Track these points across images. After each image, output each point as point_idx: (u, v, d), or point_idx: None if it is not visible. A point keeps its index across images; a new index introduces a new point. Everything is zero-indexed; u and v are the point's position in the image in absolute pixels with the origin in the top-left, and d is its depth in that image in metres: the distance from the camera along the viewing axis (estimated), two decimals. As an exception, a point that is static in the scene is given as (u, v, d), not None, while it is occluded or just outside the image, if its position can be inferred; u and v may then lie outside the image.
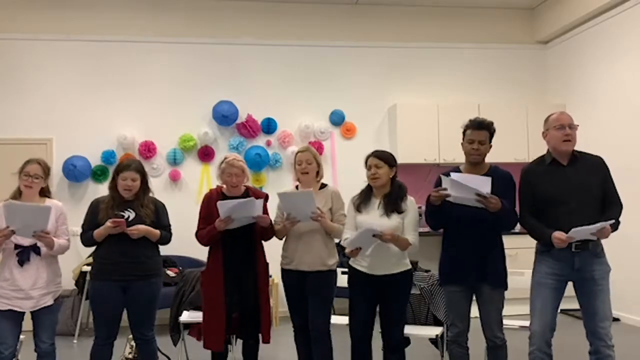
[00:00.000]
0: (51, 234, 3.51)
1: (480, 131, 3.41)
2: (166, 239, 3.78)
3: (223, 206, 3.59)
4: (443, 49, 7.35)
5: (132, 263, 3.60)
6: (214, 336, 3.75)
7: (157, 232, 3.69)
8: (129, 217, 3.62)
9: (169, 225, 3.83)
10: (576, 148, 3.39)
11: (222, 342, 3.79)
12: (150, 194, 3.79)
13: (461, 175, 3.26)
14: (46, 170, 3.64)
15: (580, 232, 3.13)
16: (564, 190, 3.27)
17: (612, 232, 3.22)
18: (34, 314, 3.57)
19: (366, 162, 3.62)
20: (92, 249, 3.73)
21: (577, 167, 3.33)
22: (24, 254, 3.52)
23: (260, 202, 3.66)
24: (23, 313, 3.56)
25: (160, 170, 6.71)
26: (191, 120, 6.77)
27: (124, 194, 3.66)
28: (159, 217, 3.74)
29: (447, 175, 3.33)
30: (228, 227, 3.66)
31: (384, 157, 3.59)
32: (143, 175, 3.73)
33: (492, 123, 3.47)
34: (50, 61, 6.60)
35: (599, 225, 3.09)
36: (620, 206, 3.33)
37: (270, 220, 3.82)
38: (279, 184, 6.53)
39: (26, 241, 3.51)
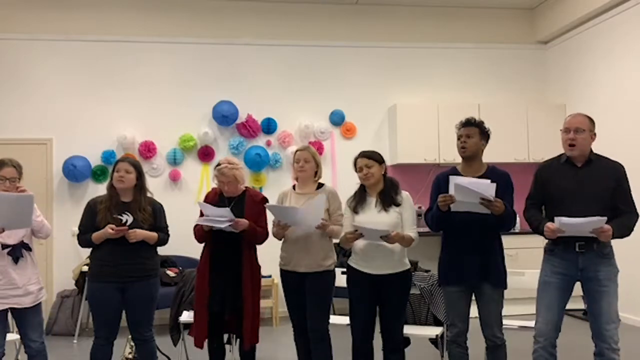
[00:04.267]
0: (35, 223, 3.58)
1: (467, 127, 3.44)
2: (164, 241, 3.80)
3: (202, 207, 3.70)
4: (443, 49, 7.35)
5: (129, 265, 3.60)
6: (198, 333, 3.78)
7: (155, 235, 3.70)
8: (127, 221, 3.62)
9: (167, 227, 3.84)
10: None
11: (204, 339, 3.79)
12: (149, 194, 3.79)
13: (467, 180, 3.23)
14: (21, 172, 3.63)
15: (571, 226, 3.11)
16: (573, 191, 3.25)
17: (621, 237, 3.19)
18: (22, 314, 3.57)
19: (355, 164, 3.63)
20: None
21: (590, 170, 3.30)
22: (16, 251, 3.53)
23: (227, 210, 3.63)
24: (6, 313, 3.56)
25: (160, 170, 6.71)
26: (191, 120, 6.77)
27: (117, 184, 3.66)
28: (156, 219, 3.75)
29: (445, 176, 3.33)
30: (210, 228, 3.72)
31: (372, 156, 3.60)
32: (139, 172, 3.73)
33: (482, 122, 3.48)
34: (50, 61, 6.60)
35: (589, 219, 3.05)
36: (636, 215, 3.29)
37: (249, 225, 3.73)
38: (279, 184, 6.51)
39: (12, 240, 3.52)
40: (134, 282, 3.62)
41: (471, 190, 3.16)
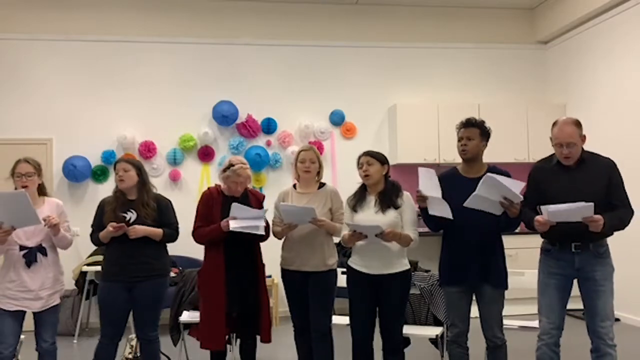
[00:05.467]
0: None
1: (467, 128, 3.43)
2: (171, 236, 3.77)
3: (238, 209, 3.62)
4: (443, 49, 7.35)
5: (136, 264, 3.61)
6: (215, 336, 3.73)
7: (159, 231, 3.68)
8: (130, 218, 3.63)
9: (175, 222, 3.82)
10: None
11: (223, 341, 3.78)
12: (154, 190, 3.80)
13: (504, 180, 3.17)
14: (37, 167, 3.62)
15: (559, 214, 3.07)
16: (566, 192, 3.24)
17: (614, 229, 3.20)
18: (37, 313, 3.57)
19: (358, 161, 3.64)
20: (92, 249, 3.74)
21: (582, 170, 3.30)
22: (30, 255, 3.51)
23: (263, 212, 3.75)
24: (23, 314, 3.55)
25: (160, 170, 6.71)
26: (191, 120, 6.77)
27: (119, 185, 3.70)
28: (161, 215, 3.73)
29: (445, 176, 3.33)
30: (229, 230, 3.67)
31: (375, 155, 3.62)
32: (139, 170, 3.74)
33: (483, 122, 3.48)
34: (50, 61, 6.60)
35: (576, 205, 3.02)
36: (630, 210, 3.26)
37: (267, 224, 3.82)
38: (278, 184, 6.51)
39: (31, 242, 3.51)
40: (141, 282, 3.62)
41: (500, 186, 3.10)
